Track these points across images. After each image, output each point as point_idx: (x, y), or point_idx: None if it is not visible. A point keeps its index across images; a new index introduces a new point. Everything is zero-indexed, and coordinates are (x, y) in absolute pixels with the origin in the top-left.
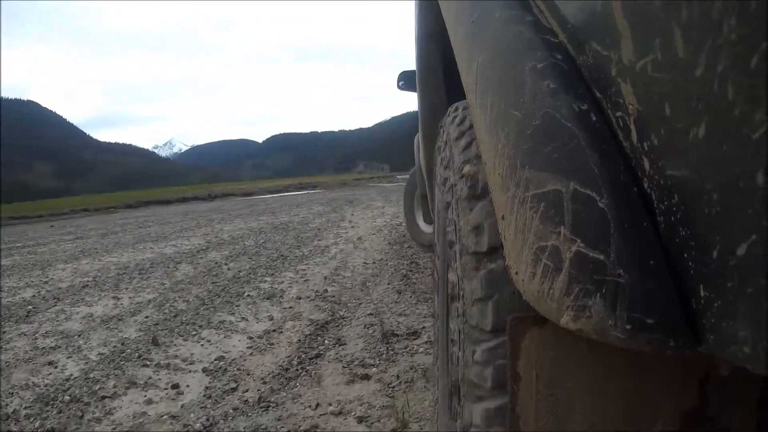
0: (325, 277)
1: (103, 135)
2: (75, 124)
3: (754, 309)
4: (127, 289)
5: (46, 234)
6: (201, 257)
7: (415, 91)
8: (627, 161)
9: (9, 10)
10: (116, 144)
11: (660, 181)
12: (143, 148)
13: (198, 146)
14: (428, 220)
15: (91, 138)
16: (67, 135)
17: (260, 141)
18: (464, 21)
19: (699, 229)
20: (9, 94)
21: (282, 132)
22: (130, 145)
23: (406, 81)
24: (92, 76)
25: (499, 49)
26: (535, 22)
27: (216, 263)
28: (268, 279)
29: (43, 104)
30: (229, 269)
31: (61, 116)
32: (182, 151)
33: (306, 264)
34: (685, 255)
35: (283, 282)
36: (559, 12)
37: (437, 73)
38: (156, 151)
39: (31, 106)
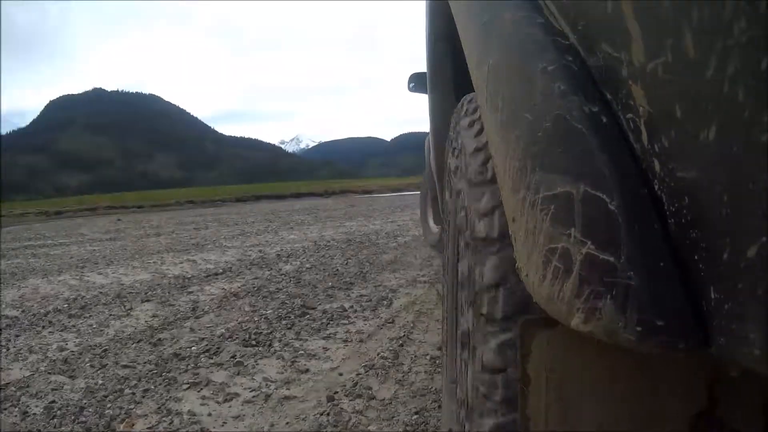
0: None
1: (228, 129)
2: (200, 118)
3: (764, 311)
4: None
5: (91, 231)
6: (190, 293)
7: (425, 92)
8: (637, 163)
9: (136, 9)
10: (242, 138)
11: (670, 183)
12: (269, 143)
13: (325, 143)
14: (438, 221)
15: (216, 131)
16: (190, 128)
17: (388, 140)
18: (475, 22)
19: (709, 231)
20: (130, 87)
21: (410, 131)
22: (256, 140)
23: (416, 83)
24: (220, 72)
25: (510, 51)
26: (546, 23)
27: (192, 309)
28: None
29: (166, 98)
30: (190, 333)
31: (185, 110)
32: (309, 147)
33: (335, 331)
34: (695, 257)
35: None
36: (570, 14)
37: (448, 74)
38: (283, 146)
39: (152, 99)
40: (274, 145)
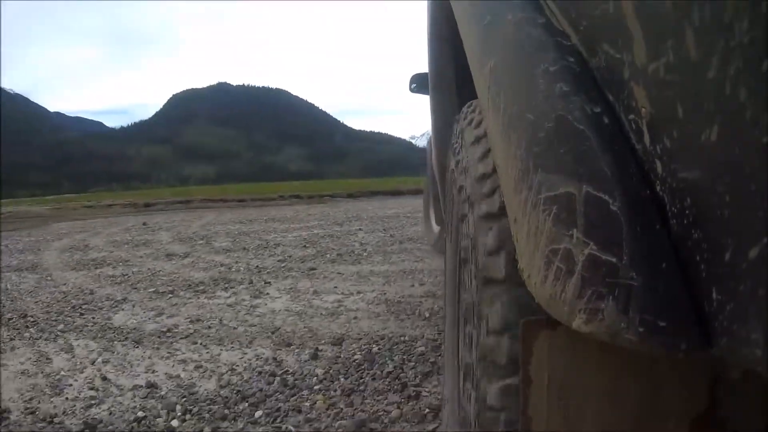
0: None
1: (357, 123)
2: (329, 112)
3: (765, 312)
4: None
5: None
6: None
7: (427, 93)
8: (639, 164)
9: (259, 8)
10: (372, 132)
11: (672, 183)
12: (399, 138)
13: None
14: (439, 222)
15: (345, 125)
16: (319, 121)
17: None
18: (477, 23)
19: (711, 232)
20: (259, 82)
21: None
22: (386, 134)
23: (418, 83)
24: (347, 68)
25: (512, 52)
26: (548, 24)
27: None
28: None
29: (294, 93)
30: None
31: (313, 104)
32: None
33: None
34: (697, 257)
35: None
36: (571, 14)
37: (449, 75)
38: (413, 141)
39: (280, 93)
40: (404, 139)
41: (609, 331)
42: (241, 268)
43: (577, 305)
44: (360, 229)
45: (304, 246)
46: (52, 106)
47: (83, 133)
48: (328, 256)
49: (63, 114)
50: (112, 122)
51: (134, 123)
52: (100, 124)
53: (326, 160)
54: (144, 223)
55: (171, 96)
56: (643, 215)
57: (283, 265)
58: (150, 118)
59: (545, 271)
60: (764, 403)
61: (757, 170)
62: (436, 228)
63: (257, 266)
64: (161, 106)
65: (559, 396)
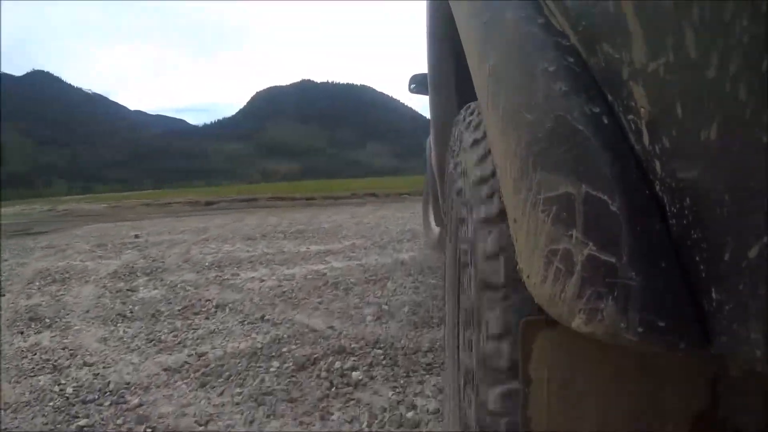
0: None
1: None
2: (414, 108)
3: (765, 311)
4: None
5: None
6: None
7: (426, 93)
8: (639, 164)
9: (348, 9)
10: None
11: (672, 183)
12: None
13: None
14: (439, 222)
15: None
16: (403, 118)
17: None
18: (475, 23)
19: (711, 231)
20: (343, 79)
21: None
22: None
23: (417, 84)
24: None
25: (511, 52)
26: (547, 24)
27: None
28: None
29: (378, 89)
30: None
31: (398, 100)
32: None
33: None
34: (697, 257)
35: None
36: (571, 14)
37: (448, 75)
38: None
39: (364, 90)
40: None
41: (609, 331)
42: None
43: (576, 305)
44: (403, 264)
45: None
46: (132, 104)
47: (164, 131)
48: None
49: (144, 113)
50: (194, 120)
51: (217, 120)
52: (182, 121)
53: (411, 157)
54: (136, 236)
55: (254, 93)
56: (642, 215)
57: None
58: (233, 116)
59: (545, 271)
60: (764, 401)
61: (756, 169)
62: (435, 229)
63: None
64: (244, 104)
65: (559, 396)
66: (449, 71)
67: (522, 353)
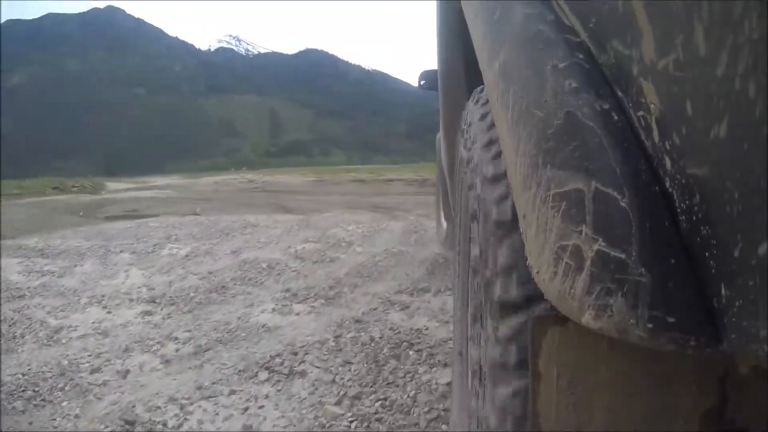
0: None
1: None
2: None
3: None
4: None
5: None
6: None
7: (436, 90)
8: (649, 160)
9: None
10: None
11: (681, 180)
12: None
13: None
14: (448, 219)
15: None
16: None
17: None
18: (485, 19)
19: (720, 228)
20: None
21: None
22: None
23: (427, 80)
24: None
25: (521, 48)
26: (557, 20)
27: None
28: None
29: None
30: None
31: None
32: None
33: None
34: (707, 254)
35: None
36: (581, 11)
37: (459, 72)
38: None
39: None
40: None
41: (618, 327)
42: None
43: (586, 301)
44: None
45: None
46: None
47: None
48: None
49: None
50: None
51: None
52: None
53: None
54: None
55: None
56: (652, 211)
57: None
58: None
59: (554, 267)
60: None
61: (766, 166)
62: (445, 224)
63: None
64: None
65: (568, 392)
66: (459, 68)
67: (531, 350)
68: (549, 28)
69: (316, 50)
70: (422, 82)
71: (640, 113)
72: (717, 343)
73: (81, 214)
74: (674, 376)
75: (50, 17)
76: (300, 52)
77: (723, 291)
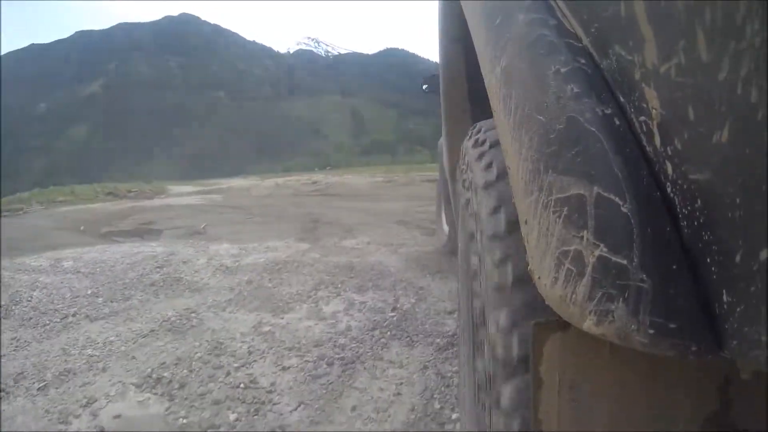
0: None
1: None
2: None
3: None
4: None
5: None
6: None
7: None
8: (650, 165)
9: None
10: None
11: (683, 185)
12: None
13: None
14: (450, 224)
15: None
16: None
17: None
18: (488, 24)
19: (722, 234)
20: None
21: None
22: None
23: (430, 84)
24: None
25: (523, 53)
26: (559, 25)
27: None
28: None
29: None
30: None
31: None
32: None
33: None
34: (708, 260)
35: None
36: (583, 16)
37: (461, 76)
38: None
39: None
40: None
41: (619, 333)
42: None
43: (587, 307)
44: None
45: None
46: None
47: None
48: None
49: None
50: None
51: None
52: None
53: None
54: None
55: None
56: (653, 217)
57: None
58: None
59: (556, 272)
60: None
61: (767, 172)
62: (446, 229)
63: None
64: None
65: (569, 397)
66: (461, 72)
67: (533, 355)
68: (551, 32)
69: (396, 49)
70: (425, 86)
71: (642, 118)
72: (718, 349)
73: (82, 228)
74: (676, 381)
75: (121, 27)
76: (380, 52)
77: (724, 297)
